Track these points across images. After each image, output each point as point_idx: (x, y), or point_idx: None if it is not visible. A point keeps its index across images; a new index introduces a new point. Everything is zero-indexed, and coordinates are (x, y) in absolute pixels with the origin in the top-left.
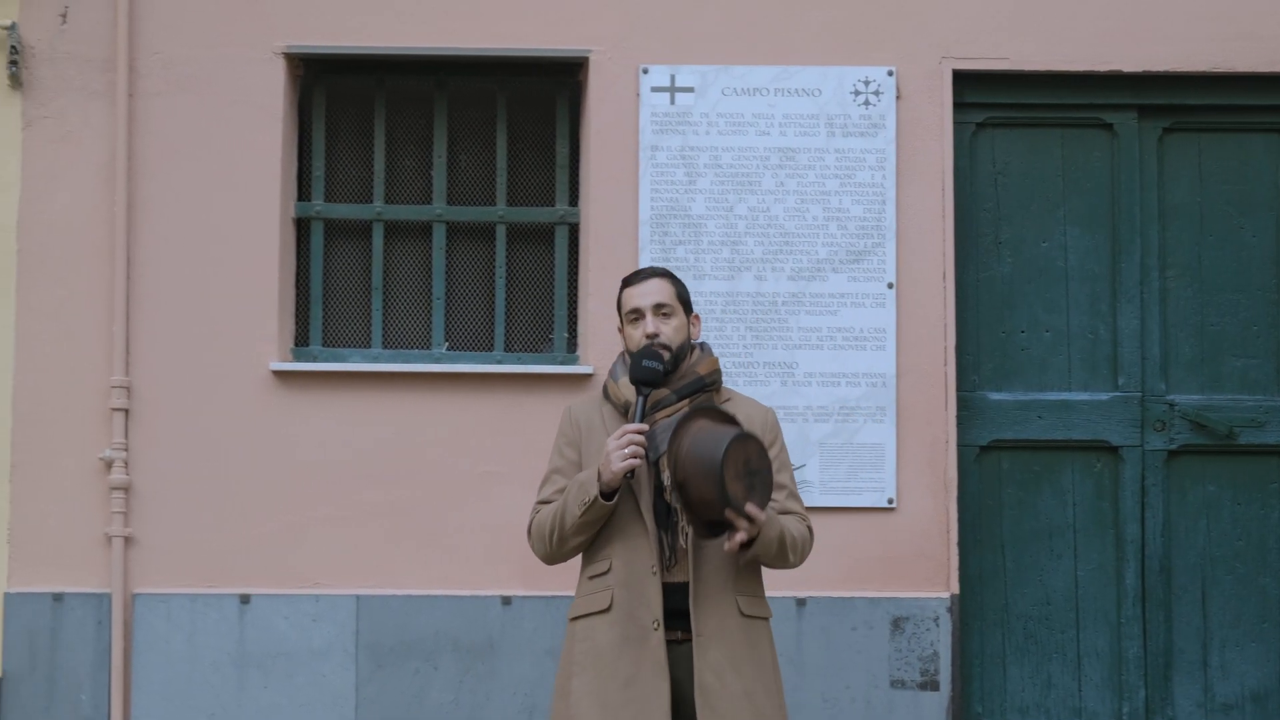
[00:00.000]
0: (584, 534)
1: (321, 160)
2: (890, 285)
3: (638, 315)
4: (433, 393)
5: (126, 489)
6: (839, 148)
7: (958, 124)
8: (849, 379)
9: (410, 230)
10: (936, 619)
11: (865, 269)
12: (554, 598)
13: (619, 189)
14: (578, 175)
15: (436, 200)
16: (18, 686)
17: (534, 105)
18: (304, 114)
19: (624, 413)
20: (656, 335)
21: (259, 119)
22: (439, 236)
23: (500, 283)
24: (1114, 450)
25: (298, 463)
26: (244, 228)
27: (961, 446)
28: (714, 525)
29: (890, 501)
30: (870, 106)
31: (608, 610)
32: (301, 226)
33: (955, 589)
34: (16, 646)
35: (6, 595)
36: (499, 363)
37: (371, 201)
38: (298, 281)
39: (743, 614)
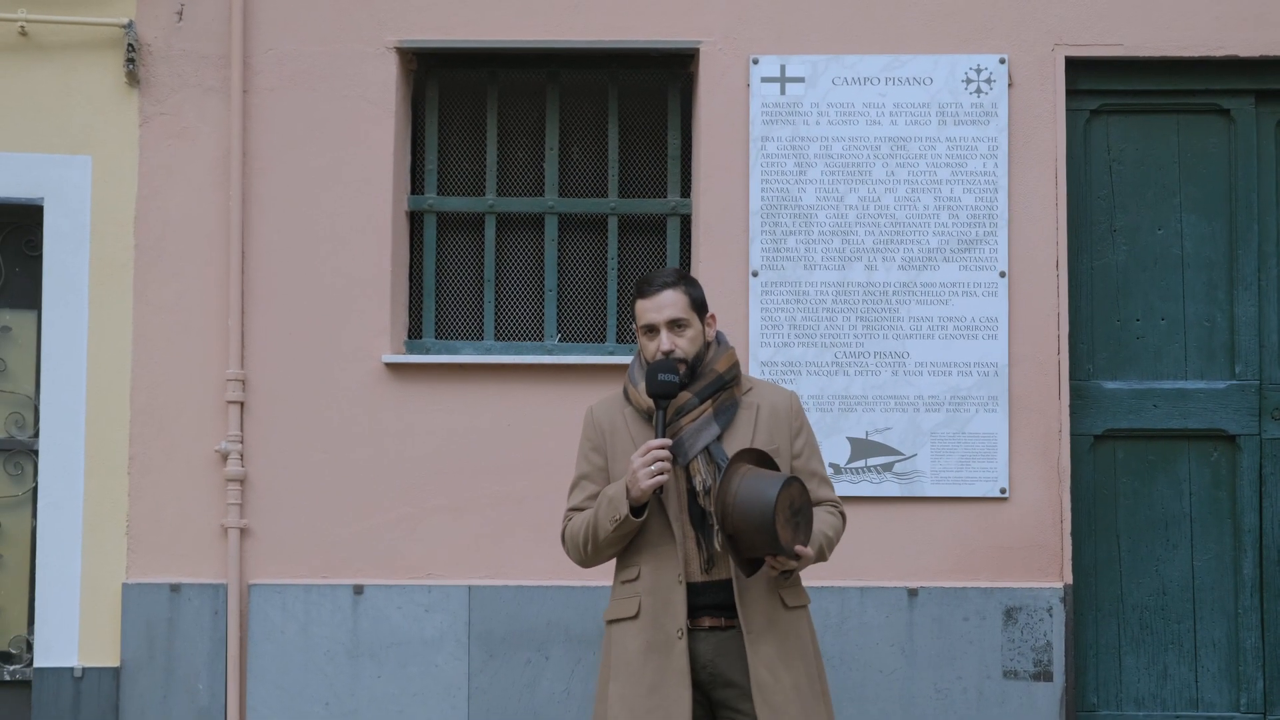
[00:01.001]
0: (617, 546)
1: (434, 153)
2: (1002, 274)
3: (651, 330)
4: (545, 384)
5: (242, 481)
6: (950, 136)
7: (1071, 111)
8: (960, 368)
9: (522, 222)
10: (1050, 609)
11: (977, 258)
12: None
13: (729, 180)
14: (689, 167)
15: (549, 192)
16: (136, 676)
17: (645, 97)
18: (417, 108)
19: (647, 419)
20: (672, 351)
21: (372, 113)
22: (551, 228)
23: (612, 274)
24: (1231, 439)
25: (410, 454)
26: (357, 221)
27: (1075, 436)
28: (756, 562)
29: (1003, 491)
30: (982, 95)
31: (636, 617)
32: (415, 219)
33: (1069, 579)
34: (135, 637)
35: (125, 586)
36: (611, 354)
37: (484, 194)
38: (411, 274)
39: (786, 606)
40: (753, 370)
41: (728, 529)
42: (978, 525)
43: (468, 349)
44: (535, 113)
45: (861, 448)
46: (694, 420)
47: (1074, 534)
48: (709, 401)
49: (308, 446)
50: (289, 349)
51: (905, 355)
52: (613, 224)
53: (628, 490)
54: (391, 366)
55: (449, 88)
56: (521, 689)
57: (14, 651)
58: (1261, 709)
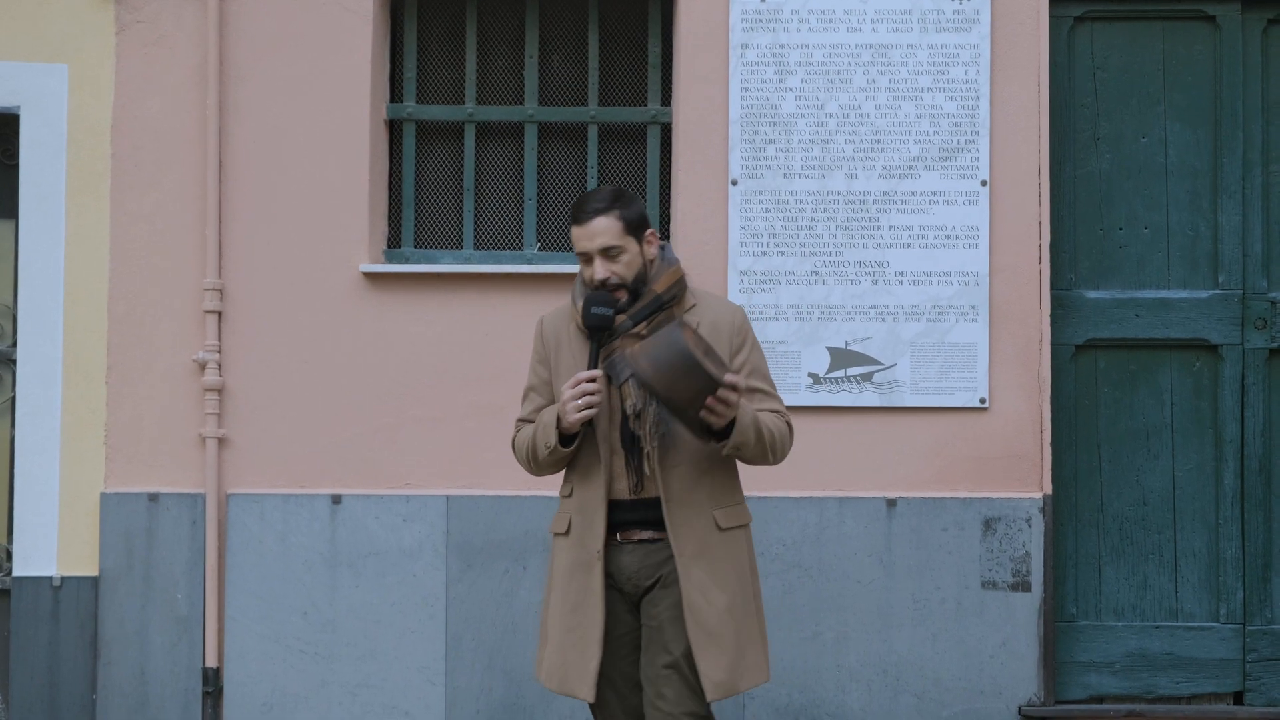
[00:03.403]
0: (557, 466)
1: (413, 62)
2: (984, 183)
3: (586, 258)
4: (524, 293)
5: (220, 391)
6: (932, 43)
7: (1054, 18)
8: (941, 278)
9: (502, 131)
10: (1029, 520)
11: (958, 166)
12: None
13: (709, 88)
14: (670, 75)
15: (528, 101)
16: (115, 585)
17: (626, 4)
18: (395, 15)
19: (586, 339)
20: (608, 280)
21: (350, 21)
22: (531, 137)
23: (592, 183)
24: (1213, 349)
25: (389, 364)
26: (336, 130)
27: (1056, 345)
28: (705, 424)
29: (982, 401)
30: (964, 1)
31: (566, 533)
32: (394, 128)
33: (1048, 489)
34: (114, 546)
35: (103, 496)
36: None
37: (463, 103)
38: (390, 183)
39: (720, 528)
40: (731, 280)
41: (661, 392)
42: (957, 435)
43: (447, 258)
44: (515, 20)
45: (841, 357)
46: (626, 346)
47: (1054, 444)
48: (643, 324)
49: (286, 356)
50: (267, 258)
51: (885, 264)
52: (593, 132)
53: (559, 419)
54: (370, 276)
55: None
56: (499, 599)
57: None
58: (1241, 619)
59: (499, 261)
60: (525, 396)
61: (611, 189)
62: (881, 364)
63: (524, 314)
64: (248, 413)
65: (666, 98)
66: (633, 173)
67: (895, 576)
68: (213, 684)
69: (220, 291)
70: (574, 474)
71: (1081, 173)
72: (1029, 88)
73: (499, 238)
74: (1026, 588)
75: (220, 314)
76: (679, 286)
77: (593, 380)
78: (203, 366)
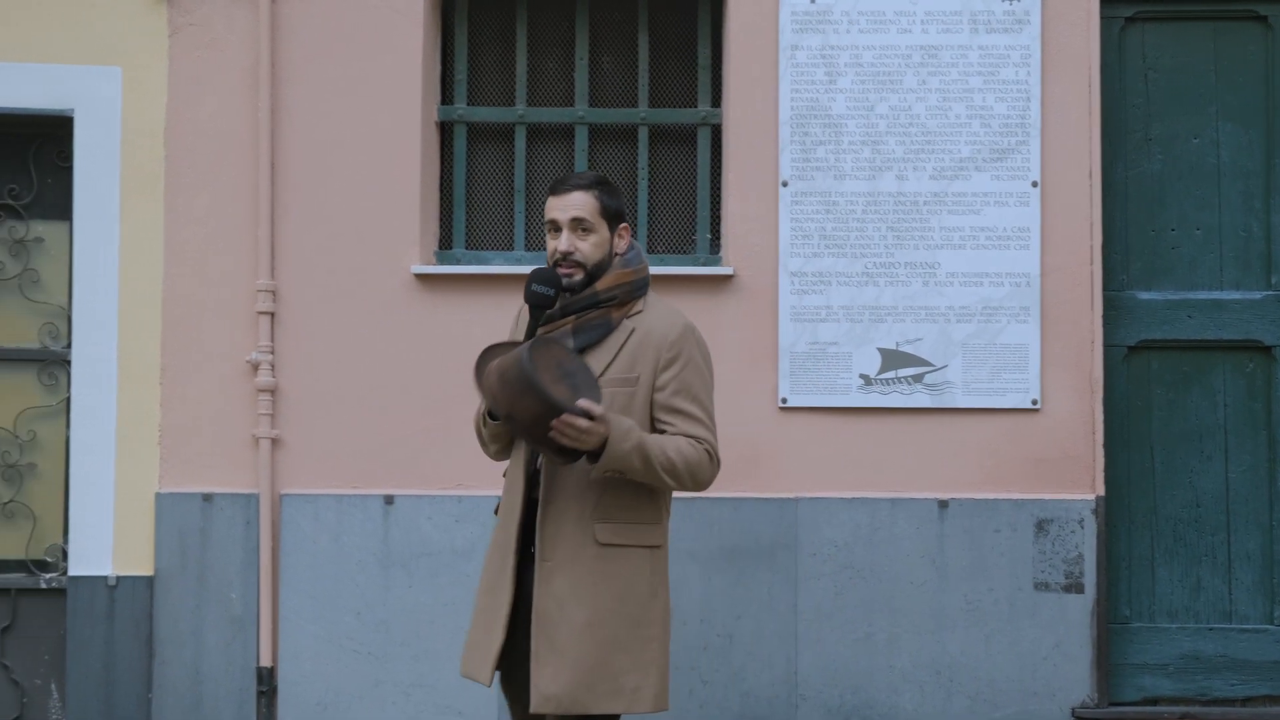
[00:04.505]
0: (497, 443)
1: (464, 64)
2: (1034, 184)
3: (554, 228)
4: None
5: (273, 391)
6: (982, 44)
7: (1105, 19)
8: (992, 279)
9: (553, 133)
10: (1081, 521)
11: (1009, 167)
12: (694, 499)
13: (759, 89)
14: (720, 76)
15: (579, 103)
16: (169, 585)
17: (675, 6)
18: (446, 17)
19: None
20: (570, 253)
21: (401, 23)
22: (581, 139)
23: (643, 184)
24: (1266, 350)
25: (440, 365)
26: (387, 131)
27: (1109, 346)
28: (563, 448)
29: (1034, 402)
30: (1015, 2)
31: (497, 515)
32: (445, 130)
33: (1101, 491)
34: (168, 546)
35: (158, 496)
36: None
37: (514, 104)
38: (441, 185)
39: (599, 542)
40: (782, 281)
41: (504, 410)
42: (1009, 437)
43: (498, 259)
44: (565, 22)
45: (892, 359)
46: (552, 332)
47: (1106, 445)
48: (572, 317)
49: (338, 357)
50: (319, 260)
51: (936, 265)
52: (643, 134)
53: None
54: (421, 277)
55: None
56: None
57: (49, 560)
58: None
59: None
60: None
61: (598, 174)
62: (933, 365)
63: None
64: (301, 413)
65: (716, 99)
66: (683, 174)
67: (947, 578)
68: (267, 683)
69: (273, 293)
70: (511, 459)
71: (1133, 173)
72: (1080, 88)
73: None
74: (1079, 589)
75: (273, 315)
76: (625, 289)
77: None
78: (256, 367)
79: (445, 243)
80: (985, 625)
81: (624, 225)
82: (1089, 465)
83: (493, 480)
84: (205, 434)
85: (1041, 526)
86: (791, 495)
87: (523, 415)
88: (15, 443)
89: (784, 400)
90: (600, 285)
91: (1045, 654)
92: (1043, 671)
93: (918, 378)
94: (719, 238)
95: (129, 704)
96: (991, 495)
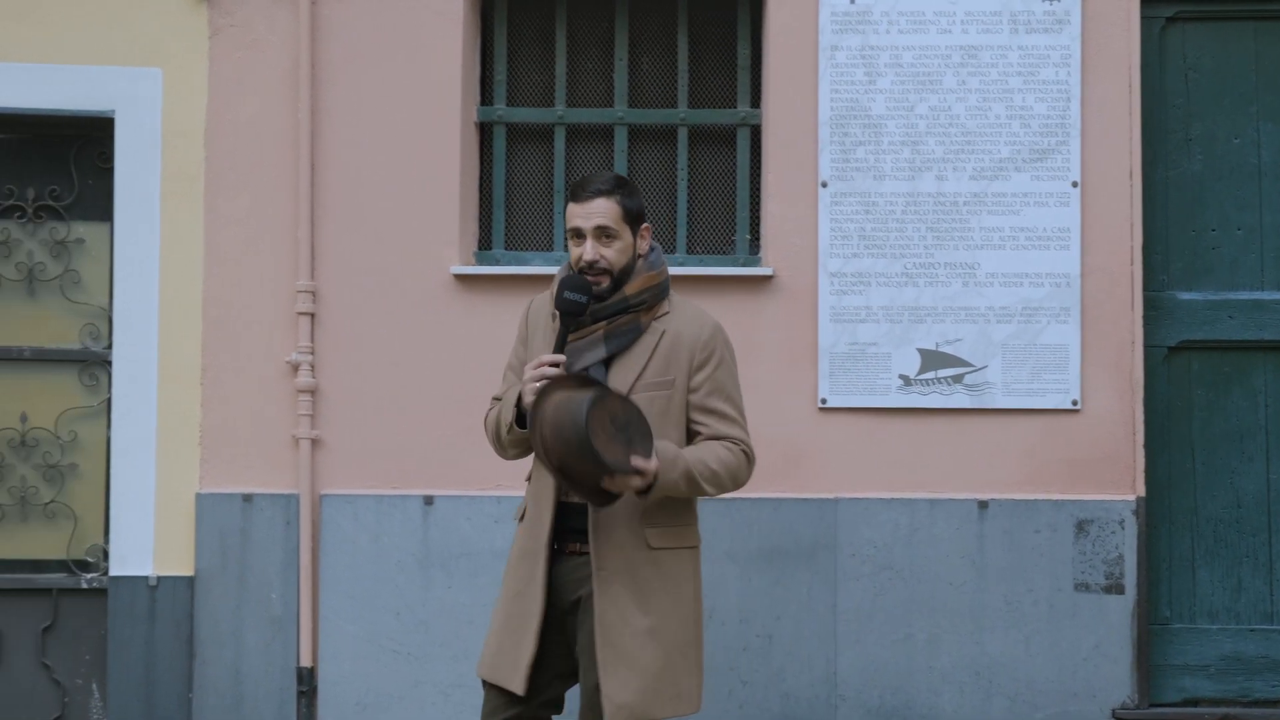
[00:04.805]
0: (517, 447)
1: (504, 64)
2: (1075, 184)
3: (578, 235)
4: None
5: (313, 392)
6: (1022, 45)
7: (1146, 19)
8: (1032, 279)
9: (592, 133)
10: (1122, 522)
11: (1049, 168)
12: (733, 500)
13: (799, 90)
14: (759, 77)
15: (618, 103)
16: (210, 585)
17: (714, 6)
18: (485, 18)
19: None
20: (596, 262)
21: (441, 24)
22: (620, 139)
23: (682, 185)
24: None
25: (480, 365)
26: (426, 132)
27: (1149, 347)
28: (606, 493)
29: (1074, 403)
30: (1055, 2)
31: (523, 520)
32: (484, 131)
33: (1141, 491)
34: (209, 546)
35: (198, 496)
36: (681, 265)
37: (553, 105)
38: (480, 185)
39: (650, 547)
40: (821, 282)
41: (554, 461)
42: (1049, 437)
43: (537, 260)
44: (604, 22)
45: (931, 359)
46: (583, 339)
47: (1147, 446)
48: (603, 323)
49: (377, 357)
50: (359, 260)
51: (976, 266)
52: (682, 135)
53: (520, 398)
54: (461, 277)
55: None
56: None
57: (90, 560)
58: None
59: None
60: (503, 376)
61: (616, 175)
62: (972, 366)
63: None
64: (340, 414)
65: (756, 100)
66: (722, 175)
67: (987, 578)
68: (307, 683)
69: (313, 293)
70: (537, 463)
71: (1173, 174)
72: (1120, 89)
73: None
74: (1120, 590)
75: (313, 316)
76: (653, 292)
77: (555, 365)
78: (296, 368)
79: (484, 243)
80: (1025, 626)
81: (645, 225)
82: (1129, 466)
83: None
84: (245, 434)
85: (1082, 527)
86: (831, 496)
87: (576, 473)
88: (56, 443)
89: (823, 401)
90: (629, 290)
91: (1085, 655)
92: (1083, 672)
93: (957, 378)
94: (758, 238)
95: (170, 704)
96: (1031, 496)
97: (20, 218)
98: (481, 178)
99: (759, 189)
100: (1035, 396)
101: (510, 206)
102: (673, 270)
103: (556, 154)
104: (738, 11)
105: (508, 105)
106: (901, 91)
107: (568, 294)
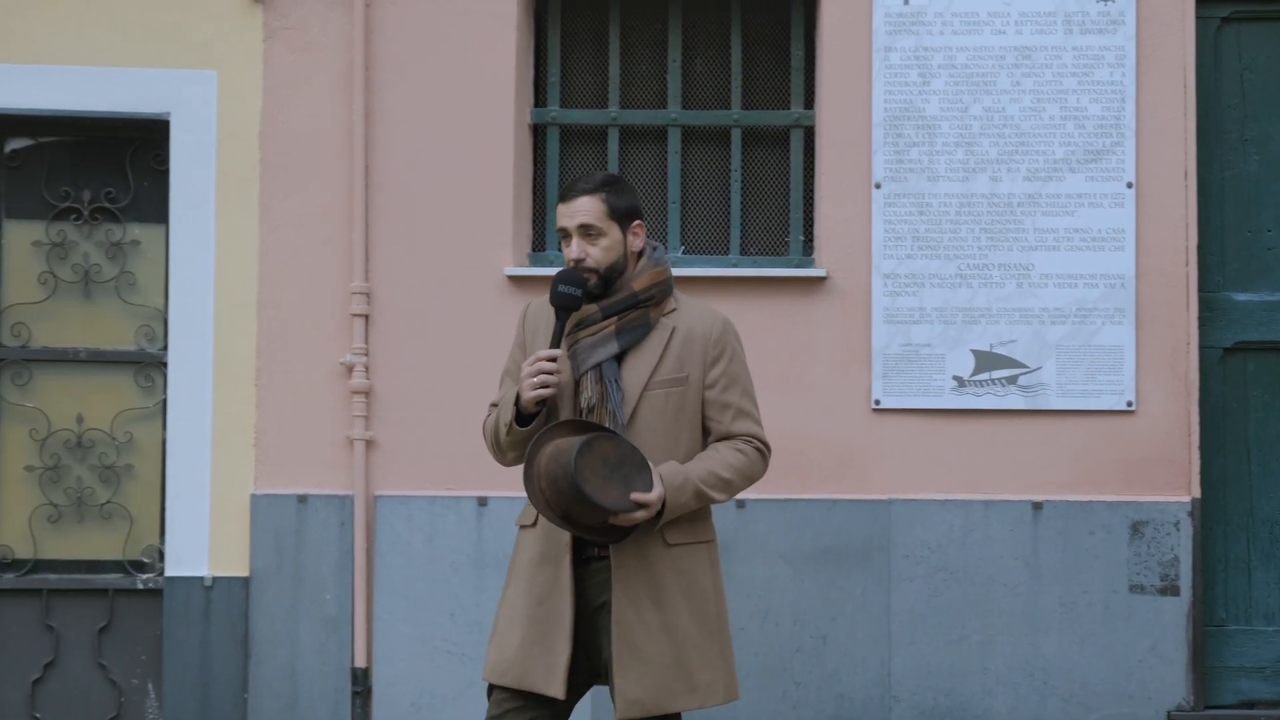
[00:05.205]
0: (516, 450)
1: (557, 66)
2: (1129, 185)
3: (565, 235)
4: None
5: (367, 393)
6: (1077, 45)
7: (1200, 19)
8: (1087, 280)
9: (645, 135)
10: (1177, 523)
11: (1103, 168)
12: (787, 500)
13: (853, 91)
14: (813, 78)
15: (671, 104)
16: (265, 586)
17: (768, 8)
18: (539, 20)
19: (570, 326)
20: (582, 260)
21: (494, 26)
22: (674, 141)
23: (735, 186)
24: None
25: None
26: (480, 134)
27: (1204, 348)
28: (617, 529)
29: (1129, 404)
30: (1109, 3)
31: (534, 525)
32: (537, 132)
33: (1196, 493)
34: (264, 547)
35: (253, 497)
36: (734, 266)
37: (607, 107)
38: (534, 187)
39: (668, 544)
40: (875, 283)
41: (557, 513)
42: (1104, 439)
43: None
44: (658, 24)
45: (985, 360)
46: (593, 335)
47: (1202, 447)
48: (614, 319)
49: (431, 359)
50: (412, 262)
51: (1030, 267)
52: (736, 136)
53: (519, 397)
54: (514, 279)
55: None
56: None
57: (146, 560)
58: None
59: None
60: (500, 381)
61: (607, 174)
62: (1026, 366)
63: None
64: (394, 415)
65: (809, 101)
66: (776, 176)
67: (1042, 580)
68: (361, 684)
69: (367, 295)
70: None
71: (1229, 174)
72: (1175, 89)
73: None
74: (1175, 592)
75: (367, 317)
76: (659, 288)
77: (552, 360)
78: (350, 369)
79: (538, 244)
80: (1080, 628)
81: (637, 222)
82: (1184, 467)
83: None
84: (300, 436)
85: (1136, 529)
86: (885, 497)
87: (580, 520)
88: (112, 444)
89: (877, 402)
90: (638, 285)
91: (1140, 657)
92: (1138, 674)
93: (1012, 379)
94: (812, 239)
95: (225, 704)
96: (1086, 497)
97: (76, 220)
98: (535, 179)
99: (812, 190)
100: (1090, 398)
101: None
102: (726, 271)
103: (610, 155)
104: (791, 12)
105: (561, 107)
106: (955, 92)
107: (561, 287)
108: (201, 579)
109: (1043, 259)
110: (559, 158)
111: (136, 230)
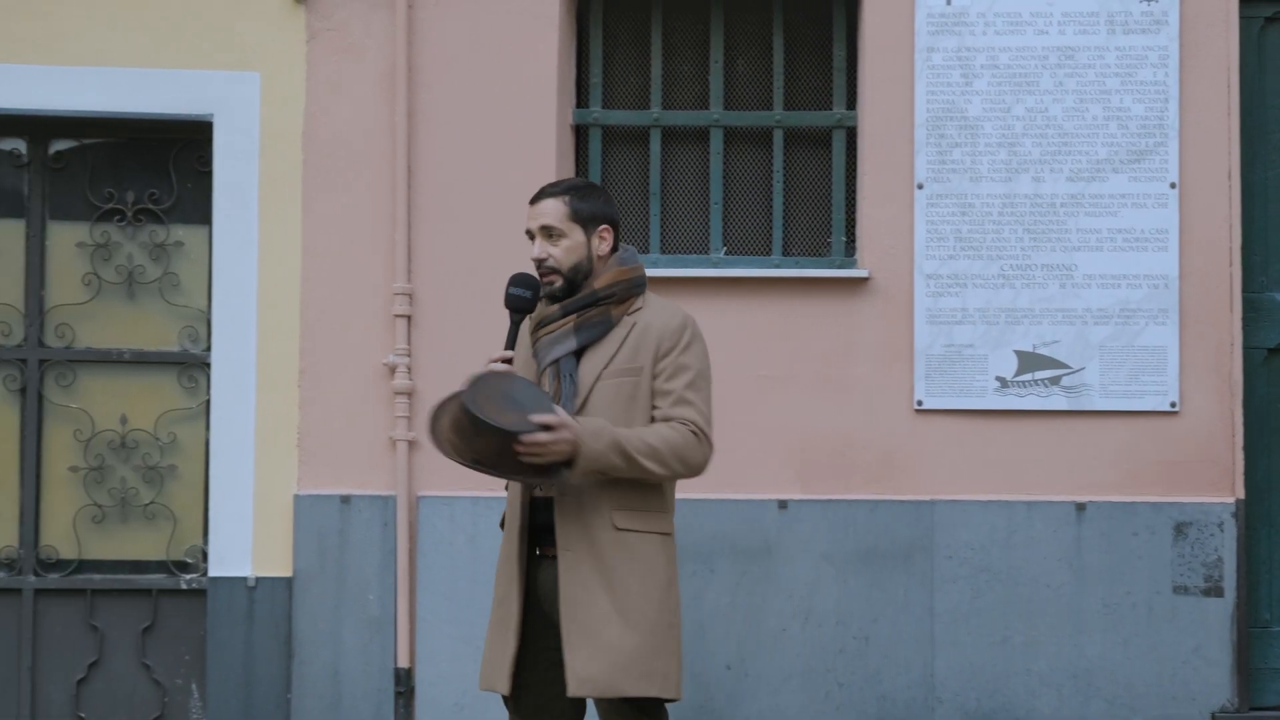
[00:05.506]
0: None
1: (599, 67)
2: (1173, 185)
3: (530, 237)
4: (710, 297)
5: (410, 394)
6: (1120, 45)
7: (1244, 18)
8: (1130, 281)
9: (687, 135)
10: (1221, 524)
11: (1147, 169)
12: (830, 501)
13: (895, 91)
14: (854, 78)
15: (713, 105)
16: (308, 586)
17: (810, 8)
18: (581, 21)
19: (533, 325)
20: (544, 259)
21: (536, 27)
22: (716, 141)
23: (778, 187)
24: None
25: None
26: (522, 135)
27: (1248, 349)
28: (541, 467)
29: (1173, 405)
30: (1152, 2)
31: (504, 526)
32: (579, 133)
33: (1240, 494)
34: (307, 547)
35: (296, 498)
36: (777, 267)
37: (649, 107)
38: None
39: (616, 527)
40: (918, 284)
41: (468, 458)
42: (1147, 439)
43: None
44: (700, 25)
45: (1028, 361)
46: (552, 333)
47: (1246, 448)
48: (573, 317)
49: (474, 359)
50: (455, 262)
51: (1073, 268)
52: (778, 137)
53: None
54: None
55: (613, 0)
56: (687, 601)
57: (190, 561)
58: None
59: (685, 266)
60: None
61: (577, 180)
62: (1069, 367)
63: (711, 318)
64: None
65: (851, 101)
66: (818, 177)
67: (1085, 581)
68: (404, 684)
69: (409, 296)
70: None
71: (1273, 174)
72: (1219, 89)
73: (685, 242)
74: (1219, 593)
75: (409, 318)
76: (620, 287)
77: (505, 360)
78: (393, 370)
79: None
80: (1123, 629)
81: (604, 227)
82: (1228, 468)
83: None
84: (342, 436)
85: (1180, 530)
86: (927, 498)
87: (486, 455)
88: (156, 445)
89: (919, 403)
90: (599, 283)
91: (1184, 658)
92: (1182, 676)
93: (1055, 380)
94: (854, 240)
95: (268, 704)
96: (1129, 498)
97: (120, 221)
98: None
99: (854, 191)
100: (1133, 398)
101: None
102: (768, 272)
103: (652, 156)
104: (833, 12)
105: (603, 108)
106: (998, 93)
107: (512, 289)
108: (245, 579)
109: (1086, 259)
110: (601, 158)
111: (180, 231)
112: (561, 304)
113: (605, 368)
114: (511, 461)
